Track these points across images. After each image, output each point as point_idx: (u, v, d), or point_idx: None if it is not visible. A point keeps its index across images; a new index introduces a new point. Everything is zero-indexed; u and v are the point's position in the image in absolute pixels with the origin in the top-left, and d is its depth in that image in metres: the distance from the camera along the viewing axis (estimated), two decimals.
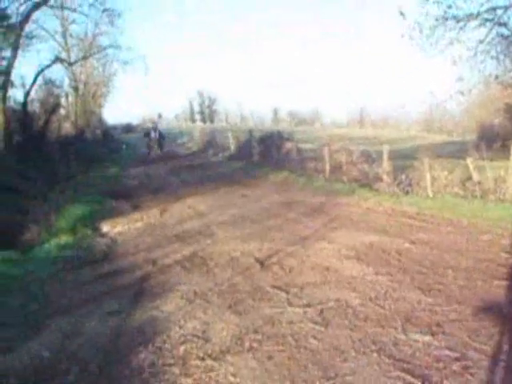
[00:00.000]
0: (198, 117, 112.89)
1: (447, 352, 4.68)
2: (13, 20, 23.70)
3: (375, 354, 4.72)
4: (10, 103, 24.72)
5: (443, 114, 68.49)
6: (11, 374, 4.69)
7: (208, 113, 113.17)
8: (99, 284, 7.39)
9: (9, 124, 22.93)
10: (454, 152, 22.39)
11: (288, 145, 23.88)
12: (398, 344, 4.91)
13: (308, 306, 6.09)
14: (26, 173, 19.44)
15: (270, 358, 4.77)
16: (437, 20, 17.20)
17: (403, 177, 14.68)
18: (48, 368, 4.81)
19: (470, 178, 13.20)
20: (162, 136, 36.92)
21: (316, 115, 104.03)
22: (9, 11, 23.70)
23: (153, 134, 36.00)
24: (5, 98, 22.86)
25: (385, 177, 15.29)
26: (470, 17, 17.10)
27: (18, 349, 5.21)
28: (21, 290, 7.17)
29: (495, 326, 5.22)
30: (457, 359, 4.54)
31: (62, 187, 17.08)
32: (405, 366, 4.47)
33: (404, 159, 17.00)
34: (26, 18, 24.06)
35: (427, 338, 4.99)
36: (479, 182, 12.85)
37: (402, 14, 17.50)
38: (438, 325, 5.31)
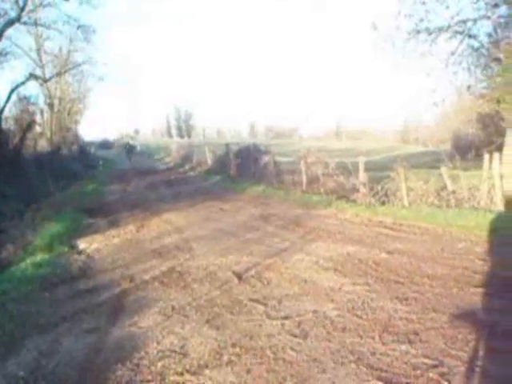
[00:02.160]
0: (175, 132, 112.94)
1: (424, 360, 4.73)
2: None
3: (353, 364, 4.75)
4: None
5: (418, 125, 69.50)
6: None
7: (185, 127, 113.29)
8: (76, 301, 7.31)
9: None
10: (429, 162, 22.75)
11: (265, 158, 23.95)
12: (376, 353, 4.94)
13: (286, 318, 6.09)
14: (2, 191, 19.21)
15: (248, 371, 4.77)
16: (409, 33, 17.50)
17: (379, 188, 14.78)
18: None
19: (444, 187, 13.37)
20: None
21: (293, 128, 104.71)
22: None
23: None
24: None
25: (361, 188, 15.41)
26: (441, 29, 17.45)
27: None
28: None
29: (471, 332, 5.28)
30: (434, 366, 4.59)
31: (39, 205, 16.90)
32: (383, 374, 4.50)
33: (380, 170, 17.19)
34: (0, 35, 23.90)
35: (404, 347, 5.03)
36: (454, 191, 13.02)
37: (374, 26, 17.78)
38: (415, 333, 5.35)
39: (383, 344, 5.14)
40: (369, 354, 4.95)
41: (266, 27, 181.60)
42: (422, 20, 17.30)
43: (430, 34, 17.49)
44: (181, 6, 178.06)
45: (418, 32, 17.50)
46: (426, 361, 4.70)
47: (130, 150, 53.18)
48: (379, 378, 4.43)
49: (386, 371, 4.56)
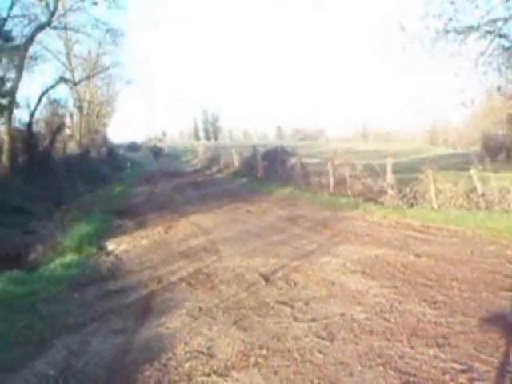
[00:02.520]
0: (202, 134, 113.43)
1: (453, 364, 4.66)
2: (17, 42, 23.98)
3: (381, 368, 4.71)
4: (15, 124, 24.89)
5: (447, 127, 68.63)
6: None
7: (212, 130, 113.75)
8: (105, 302, 7.39)
9: (14, 144, 23.08)
10: (459, 164, 22.42)
11: (292, 160, 23.92)
12: (404, 357, 4.89)
13: (313, 320, 6.08)
14: (32, 193, 19.54)
15: (275, 373, 4.76)
16: (437, 33, 17.28)
17: (407, 190, 14.65)
18: None
19: (474, 189, 13.18)
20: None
21: (320, 130, 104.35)
22: (13, 33, 24.00)
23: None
24: (10, 119, 23.05)
25: (389, 190, 15.29)
26: (471, 29, 17.17)
27: (24, 368, 5.21)
28: (27, 309, 7.16)
29: (501, 337, 5.20)
30: (463, 371, 4.52)
31: (68, 206, 17.15)
32: (411, 379, 4.45)
33: (408, 172, 17.01)
34: (30, 39, 24.33)
35: (433, 351, 4.97)
36: (483, 194, 12.83)
37: (402, 27, 17.61)
38: (444, 337, 5.29)
39: (411, 348, 5.09)
40: (397, 357, 4.90)
41: (292, 27, 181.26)
42: (450, 20, 17.05)
43: (459, 33, 17.24)
44: (190, 7, 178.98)
45: (447, 32, 17.25)
46: (455, 365, 4.64)
47: (157, 152, 54.87)
48: (407, 383, 4.38)
49: (415, 375, 4.51)
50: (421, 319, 5.88)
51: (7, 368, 5.24)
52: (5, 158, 21.90)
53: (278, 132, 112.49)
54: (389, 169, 15.67)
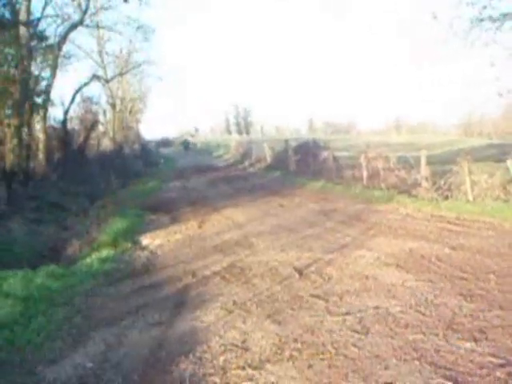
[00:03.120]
0: (233, 129, 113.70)
1: (491, 358, 4.59)
2: (51, 41, 24.43)
3: (417, 362, 4.67)
4: (50, 122, 25.38)
5: (482, 117, 67.31)
6: None
7: (243, 124, 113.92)
8: (140, 296, 7.50)
9: (49, 142, 23.53)
10: (495, 155, 21.99)
11: (324, 153, 23.85)
12: (440, 351, 4.84)
13: (347, 314, 6.06)
14: (68, 189, 19.91)
15: (310, 366, 4.76)
16: (471, 22, 16.97)
17: (442, 182, 14.46)
18: (91, 378, 4.91)
19: (511, 180, 12.93)
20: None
21: (351, 123, 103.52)
22: (47, 33, 24.45)
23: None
24: (45, 117, 23.53)
25: (423, 182, 15.12)
26: (507, 16, 16.81)
27: (63, 360, 5.34)
28: (65, 303, 7.31)
29: None
30: (501, 366, 4.45)
31: (103, 202, 17.41)
32: (447, 373, 4.40)
33: (442, 164, 16.79)
34: (64, 38, 24.77)
35: (470, 345, 4.90)
36: None
37: (435, 17, 17.34)
38: (481, 331, 5.21)
39: (447, 341, 5.03)
40: (432, 351, 4.85)
41: (325, 21, 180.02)
42: (485, 7, 16.73)
43: (493, 21, 16.89)
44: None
45: (481, 20, 16.93)
46: (493, 359, 4.57)
47: (186, 145, 57.81)
48: (444, 377, 4.33)
49: (451, 369, 4.45)
50: (457, 313, 5.81)
51: (48, 360, 5.38)
52: (41, 156, 22.36)
53: (310, 126, 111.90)
54: (423, 161, 15.49)
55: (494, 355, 4.65)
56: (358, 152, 20.89)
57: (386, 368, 4.60)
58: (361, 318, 5.86)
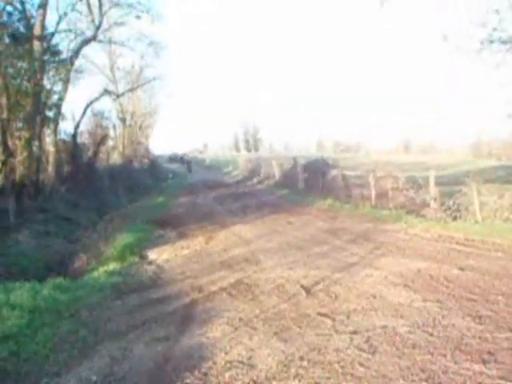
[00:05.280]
0: (242, 145, 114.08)
1: (500, 381, 4.54)
2: (64, 55, 24.72)
3: (424, 383, 4.62)
4: (61, 135, 25.58)
5: (492, 138, 67.21)
6: None
7: (252, 141, 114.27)
8: (147, 310, 7.48)
9: (59, 155, 23.69)
10: (504, 176, 21.93)
11: (333, 172, 23.85)
12: (448, 372, 4.79)
13: (354, 333, 6.02)
14: (77, 202, 20.01)
15: None
16: (482, 43, 17.01)
17: (451, 202, 14.43)
18: None
19: None
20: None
21: (361, 142, 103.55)
22: (60, 47, 24.76)
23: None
24: (56, 131, 23.72)
25: (432, 202, 15.07)
26: None
27: (68, 373, 5.32)
28: (71, 315, 7.31)
29: None
30: None
31: (111, 216, 17.47)
32: None
33: (451, 185, 16.75)
34: (76, 53, 25.04)
35: (478, 367, 4.85)
36: None
37: (445, 37, 17.40)
38: (490, 353, 5.16)
39: (455, 363, 4.99)
40: (440, 372, 4.81)
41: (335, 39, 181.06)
42: (495, 29, 16.78)
43: (504, 43, 16.92)
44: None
45: (492, 42, 16.96)
46: (502, 382, 4.51)
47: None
48: None
49: None
50: (465, 334, 5.76)
51: (52, 372, 5.37)
52: (50, 169, 22.48)
53: (319, 144, 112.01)
54: (431, 181, 15.46)
55: (503, 378, 4.60)
56: (367, 171, 20.87)
57: None
58: (368, 338, 5.82)
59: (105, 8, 26.30)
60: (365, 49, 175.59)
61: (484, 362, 4.96)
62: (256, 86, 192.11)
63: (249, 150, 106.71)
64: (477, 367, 4.85)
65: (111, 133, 38.70)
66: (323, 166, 25.88)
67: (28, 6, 21.13)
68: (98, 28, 25.59)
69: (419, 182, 16.69)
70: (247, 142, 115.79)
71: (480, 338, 5.61)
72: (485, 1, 16.90)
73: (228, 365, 5.32)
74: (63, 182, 22.30)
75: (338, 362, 5.18)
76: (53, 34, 23.45)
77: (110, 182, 26.41)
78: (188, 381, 4.98)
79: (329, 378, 4.84)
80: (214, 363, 5.38)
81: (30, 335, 6.37)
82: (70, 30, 25.20)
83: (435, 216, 14.35)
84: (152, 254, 11.76)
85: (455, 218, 13.89)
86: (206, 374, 5.11)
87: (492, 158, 59.75)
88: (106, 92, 33.97)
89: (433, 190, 15.34)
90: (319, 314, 6.83)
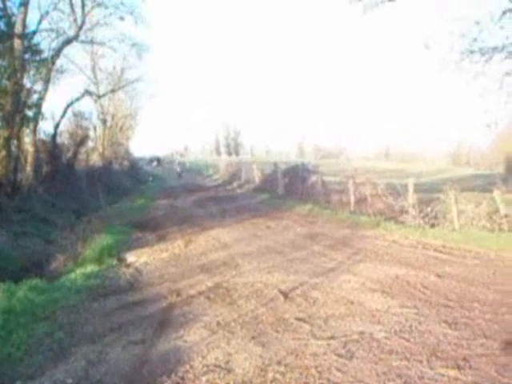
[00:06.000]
0: (223, 149, 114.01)
1: None
2: (45, 55, 24.41)
3: None
4: (40, 135, 25.27)
5: (470, 147, 68.16)
6: None
7: (233, 145, 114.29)
8: (124, 313, 7.42)
9: (38, 155, 23.42)
10: (482, 185, 22.18)
11: (313, 177, 23.93)
12: (424, 378, 4.83)
13: (332, 338, 6.04)
14: (55, 203, 19.79)
15: None
16: (462, 53, 17.21)
17: (429, 210, 14.56)
18: None
19: (497, 211, 13.05)
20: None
21: (341, 148, 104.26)
22: (41, 46, 24.46)
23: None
24: (35, 130, 23.40)
25: (410, 210, 15.19)
26: (496, 50, 17.07)
27: (42, 376, 5.25)
28: (47, 317, 7.22)
29: None
30: None
31: (90, 218, 17.29)
32: None
33: (430, 192, 16.93)
34: (58, 52, 24.76)
35: (453, 372, 4.90)
36: (507, 215, 12.70)
37: (427, 47, 17.57)
38: (465, 359, 5.22)
39: (431, 368, 5.03)
40: (416, 377, 4.85)
41: (316, 43, 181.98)
42: (475, 40, 16.99)
43: (483, 54, 17.15)
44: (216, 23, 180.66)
45: (472, 52, 17.18)
46: None
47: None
48: None
49: None
50: (441, 340, 5.81)
51: (27, 375, 5.29)
52: (29, 168, 22.20)
53: (300, 150, 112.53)
54: (410, 188, 15.60)
55: (477, 383, 4.64)
56: (347, 177, 20.97)
57: None
58: (345, 343, 5.85)
59: (87, 8, 26.01)
60: (348, 57, 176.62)
61: (459, 367, 5.01)
62: (238, 89, 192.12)
63: (229, 154, 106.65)
64: (452, 373, 4.90)
65: (91, 134, 38.39)
66: (303, 171, 25.94)
67: (9, 4, 20.86)
68: (80, 28, 25.36)
69: (398, 188, 16.81)
70: (228, 145, 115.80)
71: (455, 344, 5.67)
72: (465, 12, 17.07)
73: (205, 369, 5.30)
74: (41, 183, 22.01)
75: (316, 367, 5.19)
76: (34, 33, 23.16)
77: (90, 184, 26.17)
78: None
79: (306, 383, 4.85)
80: (191, 367, 5.36)
81: (4, 337, 6.27)
82: (51, 30, 24.88)
83: (413, 223, 14.47)
84: (130, 257, 11.67)
85: (433, 226, 14.03)
86: (182, 378, 5.09)
87: (471, 167, 60.57)
88: (87, 93, 33.66)
89: (411, 197, 15.48)
90: (297, 318, 6.84)
